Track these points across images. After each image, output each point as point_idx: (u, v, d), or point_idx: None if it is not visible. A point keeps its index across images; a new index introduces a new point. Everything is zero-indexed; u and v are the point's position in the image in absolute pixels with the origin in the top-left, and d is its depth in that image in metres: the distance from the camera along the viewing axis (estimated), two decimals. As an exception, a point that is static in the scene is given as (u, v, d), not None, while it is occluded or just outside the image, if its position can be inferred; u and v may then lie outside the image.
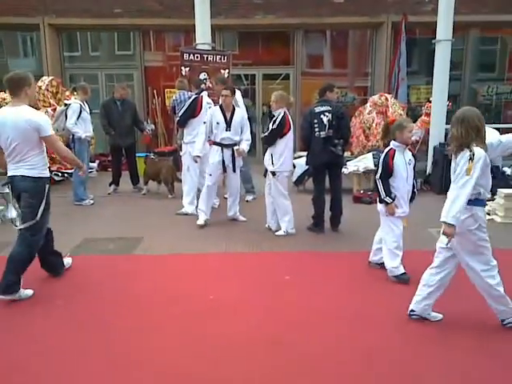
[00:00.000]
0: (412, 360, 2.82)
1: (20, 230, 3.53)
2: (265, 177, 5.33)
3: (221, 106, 5.42)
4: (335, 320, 3.30)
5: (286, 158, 5.10)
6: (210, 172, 5.49)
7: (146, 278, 4.03)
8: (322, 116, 5.08)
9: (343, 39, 10.15)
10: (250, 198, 6.86)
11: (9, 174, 3.55)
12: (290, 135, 5.09)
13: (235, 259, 4.55)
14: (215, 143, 5.45)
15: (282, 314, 3.39)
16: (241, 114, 5.53)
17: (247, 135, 5.53)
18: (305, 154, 5.99)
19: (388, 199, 3.86)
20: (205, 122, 5.51)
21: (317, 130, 5.08)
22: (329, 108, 5.12)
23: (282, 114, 5.01)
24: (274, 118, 5.04)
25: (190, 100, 5.94)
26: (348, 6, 9.10)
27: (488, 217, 5.86)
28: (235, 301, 3.58)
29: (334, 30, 9.92)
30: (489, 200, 6.37)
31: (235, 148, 5.42)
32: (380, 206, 3.99)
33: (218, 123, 5.37)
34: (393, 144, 3.88)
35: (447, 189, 7.40)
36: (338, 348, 2.94)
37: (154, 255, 4.63)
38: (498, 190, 6.09)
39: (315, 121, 5.07)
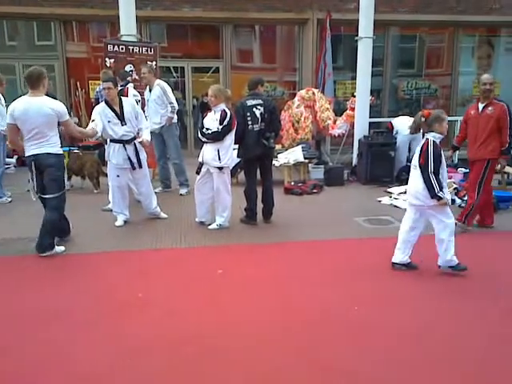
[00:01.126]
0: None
1: (49, 198, 4.32)
2: (197, 173, 5.25)
3: (107, 102, 5.13)
4: (268, 313, 3.37)
5: (232, 153, 5.15)
6: (118, 173, 5.25)
7: (70, 278, 3.89)
8: (254, 109, 5.16)
9: (271, 34, 10.31)
10: (183, 191, 6.80)
11: (31, 153, 4.29)
12: (234, 130, 5.12)
13: (166, 255, 4.50)
14: (115, 141, 5.16)
15: (214, 309, 3.41)
16: (129, 103, 5.29)
17: (145, 123, 5.40)
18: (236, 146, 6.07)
19: (441, 194, 3.77)
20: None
21: (250, 123, 5.14)
22: (261, 101, 5.22)
23: (230, 112, 5.03)
24: (223, 115, 4.95)
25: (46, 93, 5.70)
26: (274, 2, 9.26)
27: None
28: (165, 298, 3.54)
29: (261, 26, 10.05)
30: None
31: (138, 140, 5.23)
32: (428, 202, 3.85)
33: (109, 121, 5.08)
34: (433, 136, 3.90)
35: (372, 179, 7.84)
36: (268, 345, 3.01)
37: (78, 254, 4.46)
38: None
39: (248, 114, 5.13)
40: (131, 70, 6.95)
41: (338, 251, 4.66)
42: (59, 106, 4.30)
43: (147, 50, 7.21)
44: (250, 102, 5.18)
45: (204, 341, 2.91)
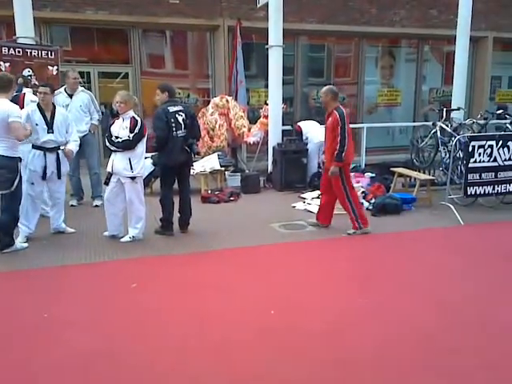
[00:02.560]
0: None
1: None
2: (106, 184, 5.13)
3: (39, 105, 5.04)
4: (188, 319, 3.39)
5: (144, 161, 5.13)
6: (32, 180, 5.05)
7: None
8: (177, 116, 5.17)
9: (183, 40, 10.32)
10: (99, 202, 6.57)
11: None
12: (145, 137, 5.07)
13: (75, 271, 4.33)
14: (36, 147, 5.01)
15: (129, 323, 3.35)
16: (63, 114, 5.23)
17: (74, 135, 5.28)
18: (149, 155, 6.02)
19: None
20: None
21: (174, 129, 5.12)
22: (181, 108, 5.27)
23: (140, 119, 5.00)
24: (133, 123, 4.91)
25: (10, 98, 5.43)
26: (184, 8, 9.29)
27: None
28: (76, 317, 3.42)
29: (172, 31, 10.02)
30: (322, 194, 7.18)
31: (61, 148, 5.11)
32: None
33: (36, 124, 4.94)
34: None
35: (287, 185, 8.11)
36: (185, 348, 3.04)
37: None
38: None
39: (172, 120, 5.11)
40: (30, 75, 6.59)
41: (255, 257, 4.79)
42: (10, 109, 4.47)
43: (47, 54, 6.87)
44: (171, 109, 5.15)
45: (116, 357, 2.86)
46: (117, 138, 4.94)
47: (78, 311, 3.51)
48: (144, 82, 9.81)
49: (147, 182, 7.22)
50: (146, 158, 5.82)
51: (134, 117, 4.99)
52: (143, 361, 2.84)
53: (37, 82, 6.40)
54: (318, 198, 7.12)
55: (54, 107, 5.16)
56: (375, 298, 3.74)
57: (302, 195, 7.38)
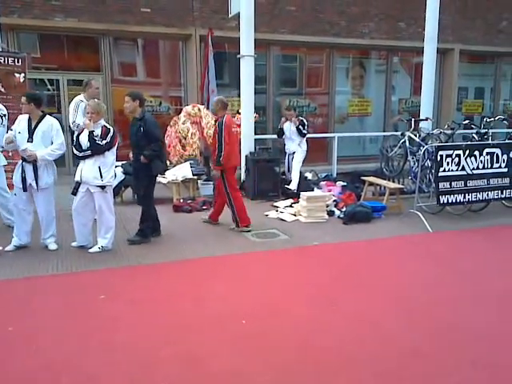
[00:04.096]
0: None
1: None
2: (74, 194, 5.02)
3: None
4: (158, 330, 3.35)
5: (114, 170, 5.12)
6: (15, 191, 4.99)
7: None
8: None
9: (154, 49, 10.30)
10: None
11: None
12: (116, 146, 5.07)
13: (40, 283, 4.23)
14: (22, 157, 4.95)
15: (97, 336, 3.29)
16: (49, 124, 4.97)
17: (54, 146, 4.97)
18: (119, 163, 6.03)
19: None
20: (11, 129, 5.01)
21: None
22: None
23: (112, 128, 5.00)
24: (105, 131, 4.90)
25: None
26: (155, 16, 9.29)
27: (294, 217, 6.67)
28: (41, 329, 3.34)
29: (143, 39, 9.99)
30: (294, 202, 7.26)
31: (23, 147, 4.87)
32: None
33: (19, 133, 4.87)
34: None
35: (259, 194, 8.23)
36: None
37: None
38: (301, 193, 6.95)
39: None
40: (-4, 82, 6.46)
41: (227, 266, 4.78)
42: None
43: (14, 61, 6.75)
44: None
45: (84, 369, 2.80)
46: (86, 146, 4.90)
47: (44, 324, 3.42)
48: (115, 89, 9.72)
49: (117, 191, 7.14)
50: (116, 166, 5.79)
51: (105, 125, 4.97)
52: (110, 373, 2.79)
53: (2, 90, 6.28)
54: (291, 206, 7.20)
55: (43, 116, 4.96)
56: (347, 306, 3.78)
57: (275, 204, 7.42)
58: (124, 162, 7.06)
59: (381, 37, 11.29)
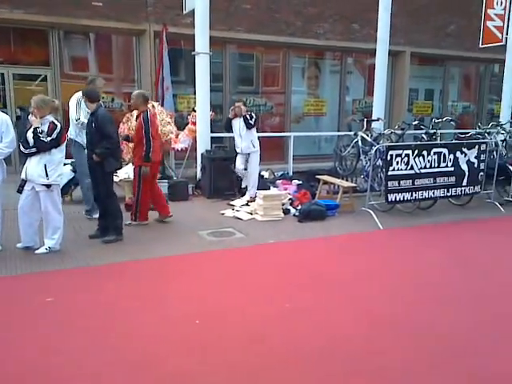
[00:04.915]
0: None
1: None
2: (19, 192, 4.83)
3: None
4: (107, 334, 3.27)
5: (62, 169, 4.97)
6: None
7: None
8: None
9: (107, 44, 10.04)
10: None
11: None
12: (64, 144, 4.92)
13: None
14: None
15: (41, 340, 3.18)
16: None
17: (4, 143, 4.85)
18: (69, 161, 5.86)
19: None
20: None
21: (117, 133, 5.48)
22: None
23: (59, 124, 4.80)
24: (52, 128, 4.72)
25: None
26: (107, 11, 9.06)
27: (250, 216, 6.69)
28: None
29: (95, 34, 9.72)
30: (251, 201, 7.30)
31: None
32: None
33: None
34: None
35: (216, 192, 8.22)
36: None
37: None
38: (258, 191, 6.99)
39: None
40: None
41: (181, 266, 4.73)
42: None
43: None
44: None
45: (28, 377, 2.70)
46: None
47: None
48: (64, 85, 9.40)
49: (67, 189, 6.92)
50: (65, 164, 5.63)
51: (52, 121, 4.79)
52: (54, 380, 2.70)
53: None
54: (247, 204, 7.21)
55: None
56: (302, 303, 3.84)
57: (231, 202, 7.42)
58: (73, 160, 6.85)
59: (335, 38, 11.50)
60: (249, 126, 7.44)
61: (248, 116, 7.46)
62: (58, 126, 4.78)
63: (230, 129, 7.78)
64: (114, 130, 5.35)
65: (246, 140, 7.54)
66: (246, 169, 7.75)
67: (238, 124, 7.60)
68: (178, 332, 3.31)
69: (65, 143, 4.91)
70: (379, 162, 6.95)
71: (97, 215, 6.32)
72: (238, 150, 7.70)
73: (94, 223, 5.67)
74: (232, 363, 2.91)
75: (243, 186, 7.86)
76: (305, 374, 2.83)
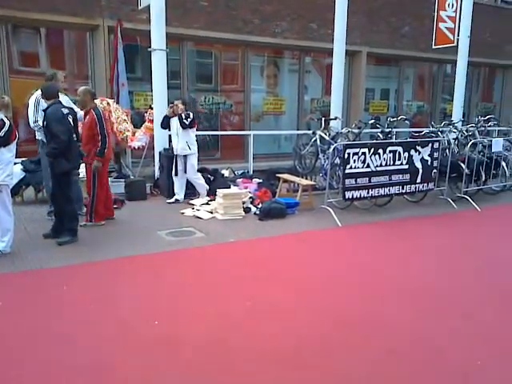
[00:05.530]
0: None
1: None
2: None
3: None
4: (59, 339, 3.18)
5: (12, 168, 4.79)
6: None
7: None
8: (68, 118, 5.17)
9: (59, 39, 9.72)
10: None
11: None
12: (14, 142, 4.74)
13: None
14: None
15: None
16: None
17: None
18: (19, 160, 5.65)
19: None
20: None
21: (72, 132, 5.17)
22: (68, 111, 5.23)
23: (9, 122, 4.62)
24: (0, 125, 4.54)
25: None
26: (59, 5, 8.76)
27: (211, 215, 6.68)
28: None
29: (46, 28, 9.39)
30: (211, 200, 7.28)
31: None
32: None
33: None
34: None
35: (175, 192, 7.97)
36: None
37: None
38: (218, 190, 6.98)
39: (68, 123, 5.12)
40: None
41: (139, 267, 4.67)
42: None
43: None
44: (64, 111, 5.13)
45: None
46: None
47: None
48: (14, 81, 9.04)
49: (17, 189, 6.69)
50: (15, 163, 5.44)
51: (2, 119, 4.60)
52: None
53: None
54: (207, 203, 7.19)
55: None
56: (262, 300, 3.87)
57: (191, 201, 7.37)
58: (24, 159, 6.63)
59: (293, 36, 11.61)
60: (183, 126, 7.17)
61: (183, 115, 7.19)
62: (7, 123, 4.61)
63: (166, 126, 7.48)
64: (61, 129, 5.02)
65: (181, 141, 7.27)
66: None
67: (175, 123, 7.32)
68: (135, 334, 3.27)
69: (15, 142, 4.73)
70: (337, 161, 7.11)
71: None
72: (175, 152, 7.41)
73: (48, 224, 5.51)
74: (191, 364, 2.91)
75: (175, 190, 7.54)
76: (263, 373, 2.86)
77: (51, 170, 5.28)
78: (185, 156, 7.38)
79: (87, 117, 5.78)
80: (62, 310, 3.63)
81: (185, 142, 7.27)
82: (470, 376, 2.87)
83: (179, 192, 7.53)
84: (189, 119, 7.21)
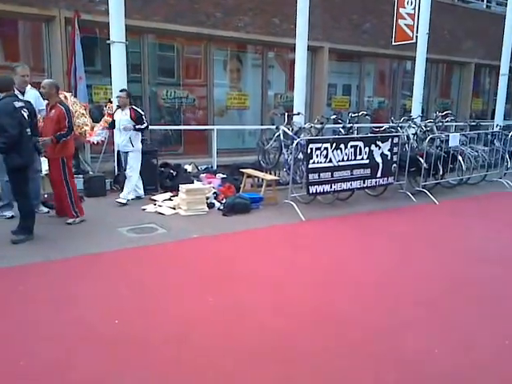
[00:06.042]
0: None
1: None
2: None
3: None
4: (21, 338, 3.09)
5: None
6: None
7: None
8: (23, 112, 4.98)
9: (13, 30, 9.35)
10: None
11: None
12: None
13: None
14: None
15: None
16: None
17: None
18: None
19: None
20: None
21: (25, 126, 4.98)
22: (23, 104, 5.07)
23: None
24: None
25: None
26: (12, -7, 8.46)
27: (173, 211, 6.62)
28: None
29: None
30: (173, 195, 7.21)
31: None
32: None
33: None
34: None
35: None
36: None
37: None
38: (180, 185, 6.92)
39: (21, 117, 4.93)
40: None
41: (99, 265, 4.58)
42: None
43: None
44: (17, 104, 4.94)
45: None
46: None
47: None
48: (-36, 73, 8.65)
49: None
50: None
51: None
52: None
53: None
54: (169, 199, 7.12)
55: None
56: (226, 297, 3.87)
57: (153, 197, 7.28)
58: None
59: (255, 31, 11.61)
60: (140, 130, 7.07)
61: (138, 120, 6.98)
62: None
63: (114, 126, 7.26)
64: (9, 122, 4.79)
65: (126, 136, 7.03)
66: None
67: (118, 116, 7.12)
68: (94, 333, 3.21)
69: None
70: (300, 156, 7.18)
71: (7, 213, 5.99)
72: (117, 147, 7.28)
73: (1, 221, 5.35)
74: (152, 363, 2.88)
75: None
76: (226, 369, 2.87)
77: (6, 166, 5.11)
78: (126, 153, 7.17)
79: (53, 111, 5.66)
80: (16, 309, 3.52)
81: (128, 138, 7.03)
82: (425, 364, 2.98)
83: (138, 188, 7.42)
84: (143, 120, 7.05)
